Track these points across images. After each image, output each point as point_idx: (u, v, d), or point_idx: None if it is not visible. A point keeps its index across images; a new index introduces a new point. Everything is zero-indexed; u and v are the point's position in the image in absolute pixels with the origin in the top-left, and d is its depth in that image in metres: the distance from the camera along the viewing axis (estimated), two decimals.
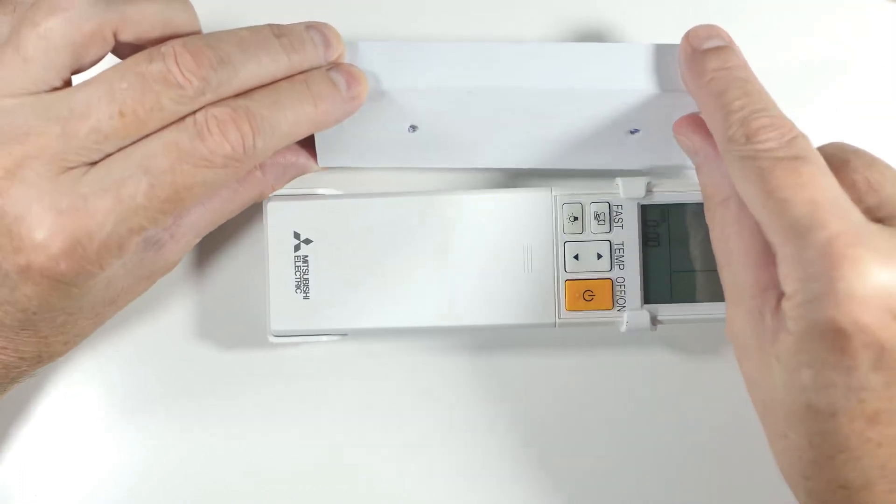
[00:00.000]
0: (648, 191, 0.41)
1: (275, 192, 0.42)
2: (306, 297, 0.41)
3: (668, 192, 0.41)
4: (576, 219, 0.41)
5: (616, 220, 0.41)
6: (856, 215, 0.32)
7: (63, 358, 0.41)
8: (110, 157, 0.34)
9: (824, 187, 0.33)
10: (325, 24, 0.38)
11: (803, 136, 0.34)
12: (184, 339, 0.44)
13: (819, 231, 0.31)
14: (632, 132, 0.41)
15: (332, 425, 0.44)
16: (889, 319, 0.31)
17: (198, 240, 0.41)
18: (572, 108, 0.40)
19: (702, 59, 0.37)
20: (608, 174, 0.43)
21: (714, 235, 0.37)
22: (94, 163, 0.34)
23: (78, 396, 0.44)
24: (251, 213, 0.43)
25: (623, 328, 0.41)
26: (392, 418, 0.44)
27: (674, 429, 0.44)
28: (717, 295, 0.41)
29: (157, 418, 0.44)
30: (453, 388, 0.44)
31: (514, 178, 0.44)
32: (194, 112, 0.34)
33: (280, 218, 0.41)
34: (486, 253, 0.41)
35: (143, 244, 0.39)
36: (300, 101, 0.36)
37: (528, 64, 0.39)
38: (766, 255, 0.34)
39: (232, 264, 0.44)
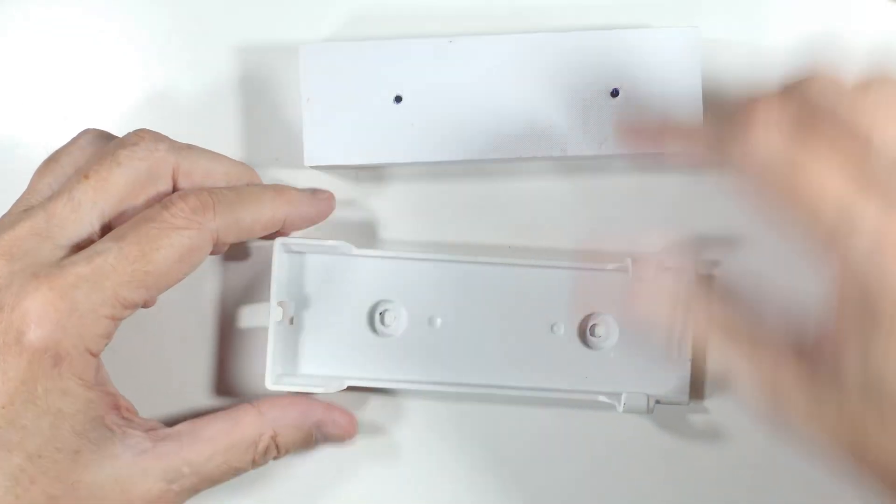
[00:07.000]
0: None
1: (286, 238, 0.42)
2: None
3: None
4: None
5: None
6: None
7: None
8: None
9: None
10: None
11: None
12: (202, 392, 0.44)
13: None
14: (613, 94, 0.42)
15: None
16: None
17: None
18: (551, 58, 0.42)
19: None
20: None
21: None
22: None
23: None
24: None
25: (620, 409, 0.41)
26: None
27: None
28: None
29: None
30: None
31: None
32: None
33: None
34: None
35: None
36: (262, 191, 0.40)
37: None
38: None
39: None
